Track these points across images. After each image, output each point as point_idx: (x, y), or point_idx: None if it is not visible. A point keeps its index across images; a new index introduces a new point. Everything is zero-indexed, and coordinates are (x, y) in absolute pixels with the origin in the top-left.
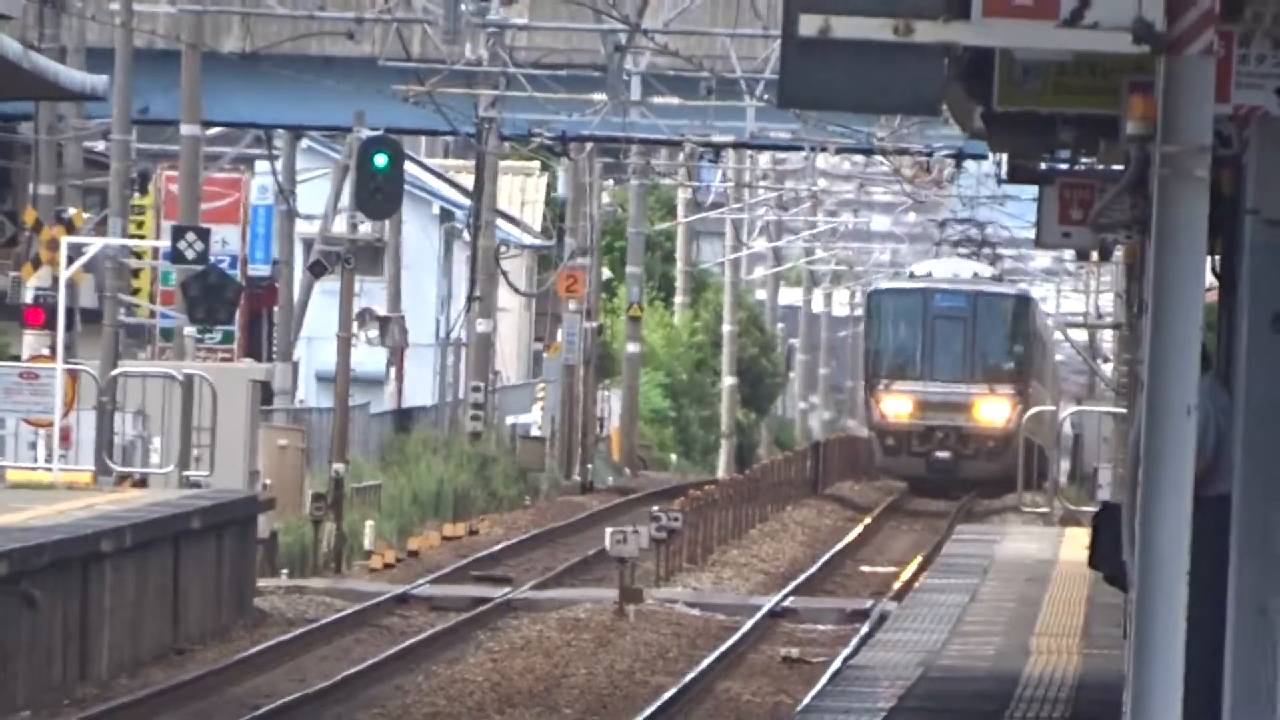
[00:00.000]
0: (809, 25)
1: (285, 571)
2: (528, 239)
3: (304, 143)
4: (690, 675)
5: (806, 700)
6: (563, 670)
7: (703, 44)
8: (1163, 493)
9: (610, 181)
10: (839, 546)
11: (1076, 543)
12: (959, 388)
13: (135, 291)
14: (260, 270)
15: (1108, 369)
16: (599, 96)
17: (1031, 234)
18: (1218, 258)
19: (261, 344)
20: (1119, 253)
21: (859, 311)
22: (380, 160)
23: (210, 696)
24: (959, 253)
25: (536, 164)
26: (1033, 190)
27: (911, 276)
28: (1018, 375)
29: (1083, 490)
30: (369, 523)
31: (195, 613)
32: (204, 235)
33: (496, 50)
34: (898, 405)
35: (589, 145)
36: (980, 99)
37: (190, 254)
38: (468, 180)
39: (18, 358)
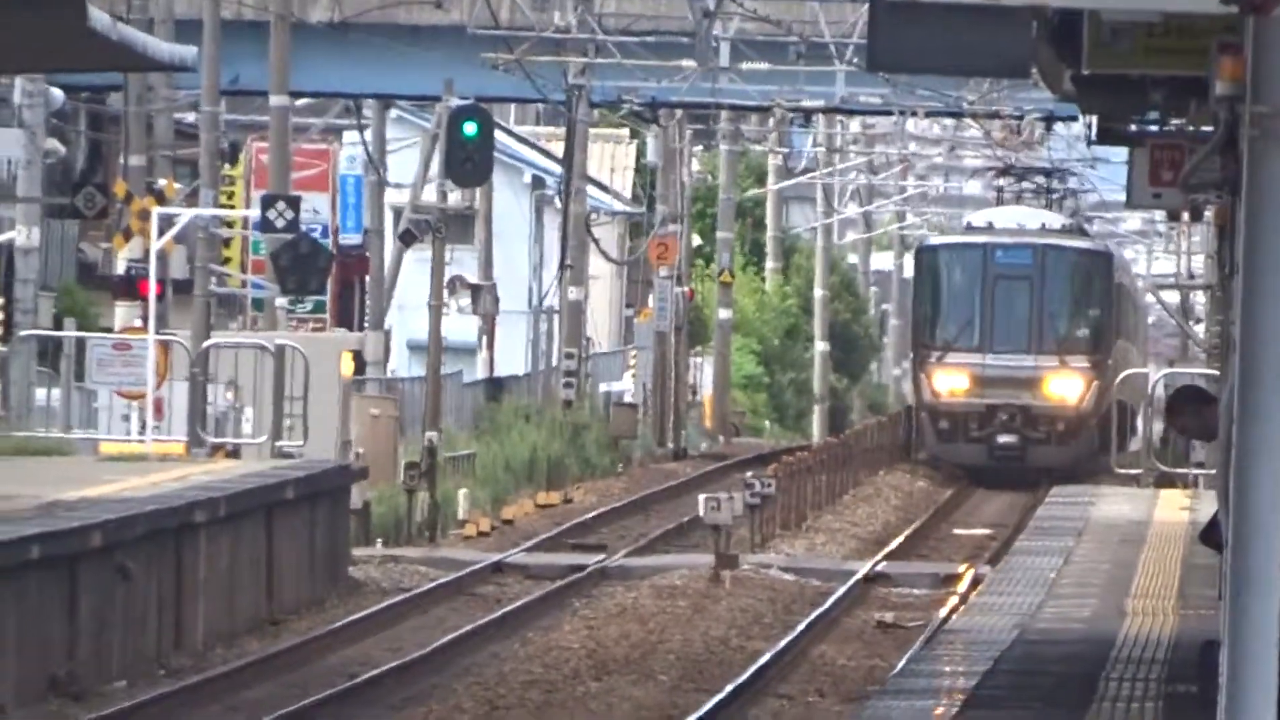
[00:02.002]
0: None
1: (379, 541)
2: (618, 206)
3: (393, 112)
4: (785, 640)
5: (901, 664)
6: (658, 637)
7: (792, 8)
8: (1256, 453)
9: (700, 148)
10: (932, 511)
11: (1170, 504)
12: (1025, 360)
13: (226, 261)
14: (351, 239)
15: (1200, 330)
16: (688, 63)
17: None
18: None
19: (353, 313)
20: (1210, 213)
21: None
22: (470, 128)
23: (305, 666)
24: (1027, 202)
25: (626, 131)
26: (1123, 153)
27: (968, 228)
28: (1094, 344)
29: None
30: (463, 491)
31: (289, 583)
32: (294, 204)
33: (585, 17)
34: (952, 381)
35: (678, 112)
36: (1070, 61)
37: (280, 223)
38: (558, 148)
39: (110, 329)
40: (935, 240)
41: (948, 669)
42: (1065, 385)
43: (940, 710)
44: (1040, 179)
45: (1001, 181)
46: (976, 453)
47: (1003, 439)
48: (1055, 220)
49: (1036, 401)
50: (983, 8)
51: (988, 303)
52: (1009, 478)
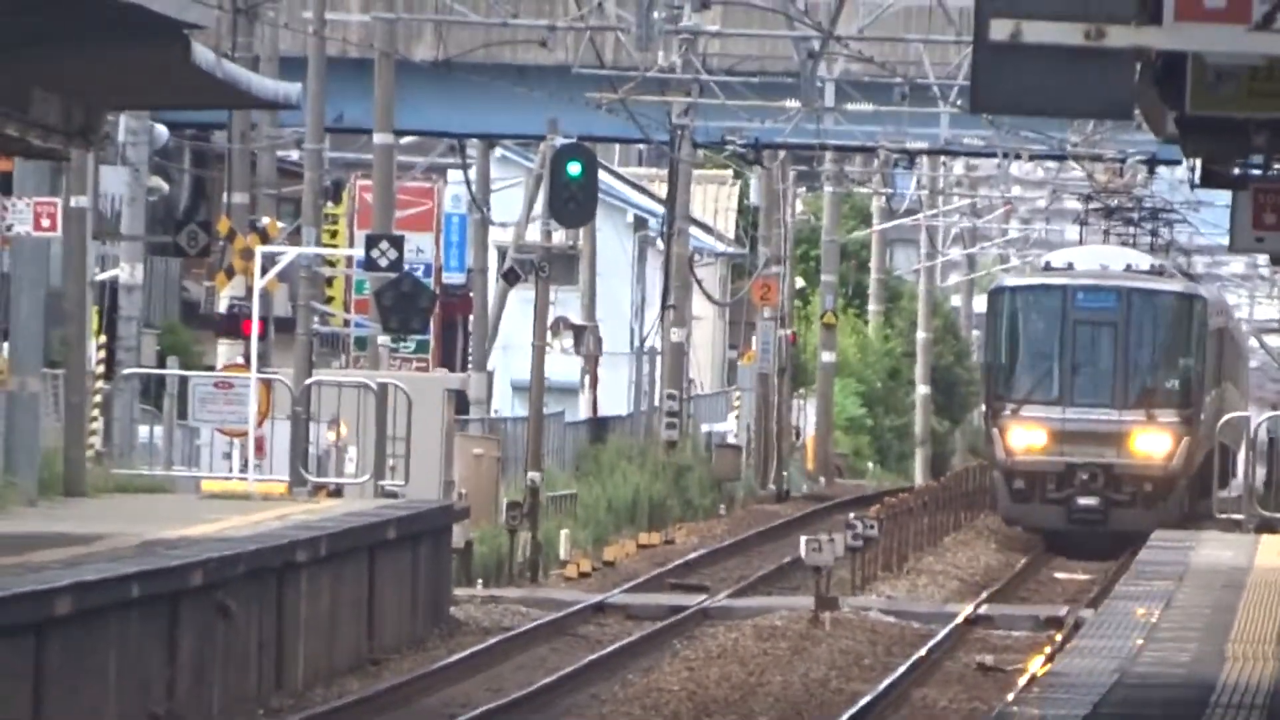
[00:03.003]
0: (1000, 30)
1: (481, 581)
2: (721, 247)
3: (497, 151)
4: (886, 682)
5: (1001, 708)
6: (758, 678)
7: (896, 50)
8: None
9: (804, 189)
10: (1033, 554)
11: (1272, 549)
12: (1108, 414)
13: (329, 300)
14: (455, 278)
15: None
16: (792, 103)
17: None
18: None
19: (456, 352)
20: None
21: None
22: (574, 168)
23: (406, 706)
24: (1114, 239)
25: (730, 171)
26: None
27: (1047, 269)
28: (1185, 397)
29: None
30: (564, 531)
31: (390, 623)
32: (398, 243)
33: (689, 57)
34: (1029, 437)
35: (782, 152)
36: (1173, 103)
37: (384, 262)
38: (661, 188)
39: (212, 367)
40: (1010, 281)
41: (1049, 712)
42: (1153, 442)
43: None
44: (1132, 215)
45: (1092, 219)
46: (1054, 515)
47: (1083, 501)
48: (1142, 260)
49: (1121, 460)
50: (1086, 50)
51: (1067, 351)
52: (1089, 544)
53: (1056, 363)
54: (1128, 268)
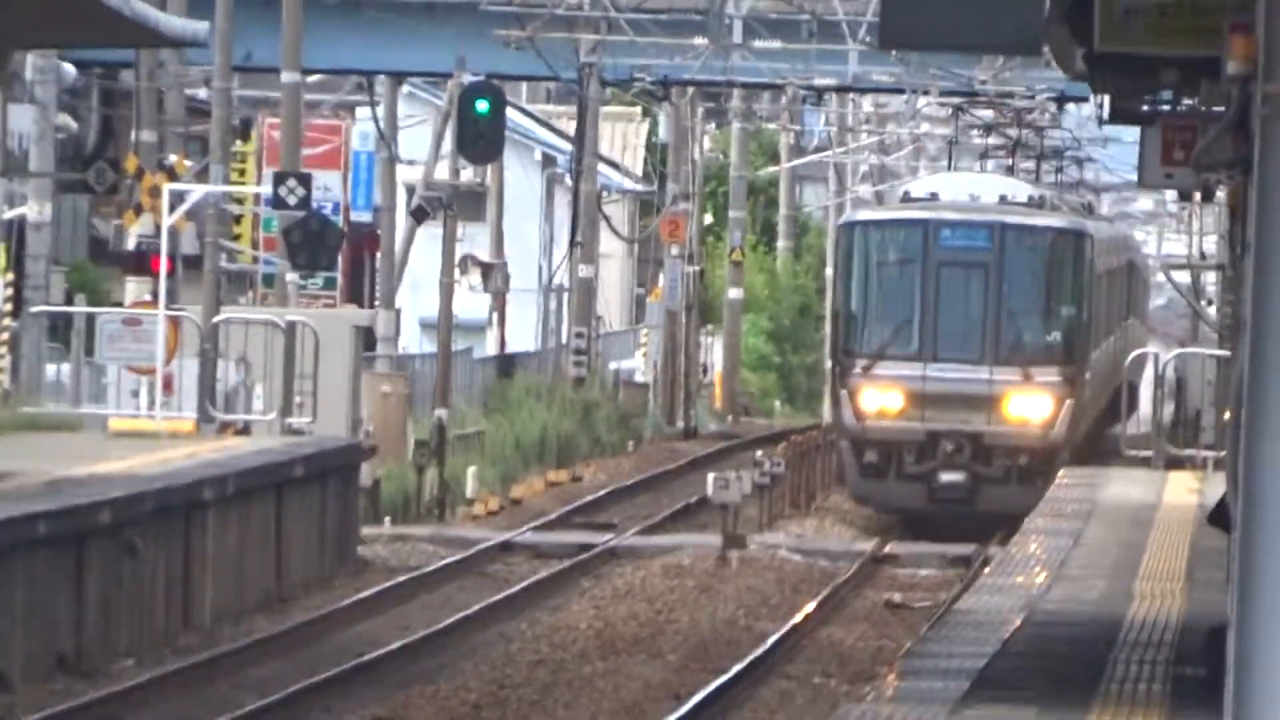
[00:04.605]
0: None
1: (388, 519)
2: (629, 184)
3: (405, 88)
4: (793, 621)
5: (910, 645)
6: (666, 616)
7: None
8: (1265, 434)
9: (712, 126)
10: None
11: (1179, 486)
12: (977, 373)
13: (237, 238)
14: (362, 216)
15: (1211, 311)
16: (700, 40)
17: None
18: None
19: (364, 290)
20: (1221, 194)
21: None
22: (482, 106)
23: (314, 644)
24: (1022, 175)
25: (638, 109)
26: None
27: (905, 199)
28: (1068, 352)
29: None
30: (472, 469)
31: (298, 561)
32: (305, 181)
33: None
34: (883, 400)
35: (690, 90)
36: (1082, 40)
37: (292, 200)
38: (569, 126)
39: (120, 305)
40: (862, 215)
41: (956, 650)
42: (1029, 406)
43: (947, 691)
44: (1035, 152)
45: (995, 156)
46: (913, 493)
47: (947, 476)
48: (1019, 190)
49: (992, 427)
50: None
51: (929, 298)
52: (953, 525)
53: (916, 312)
54: (1001, 199)
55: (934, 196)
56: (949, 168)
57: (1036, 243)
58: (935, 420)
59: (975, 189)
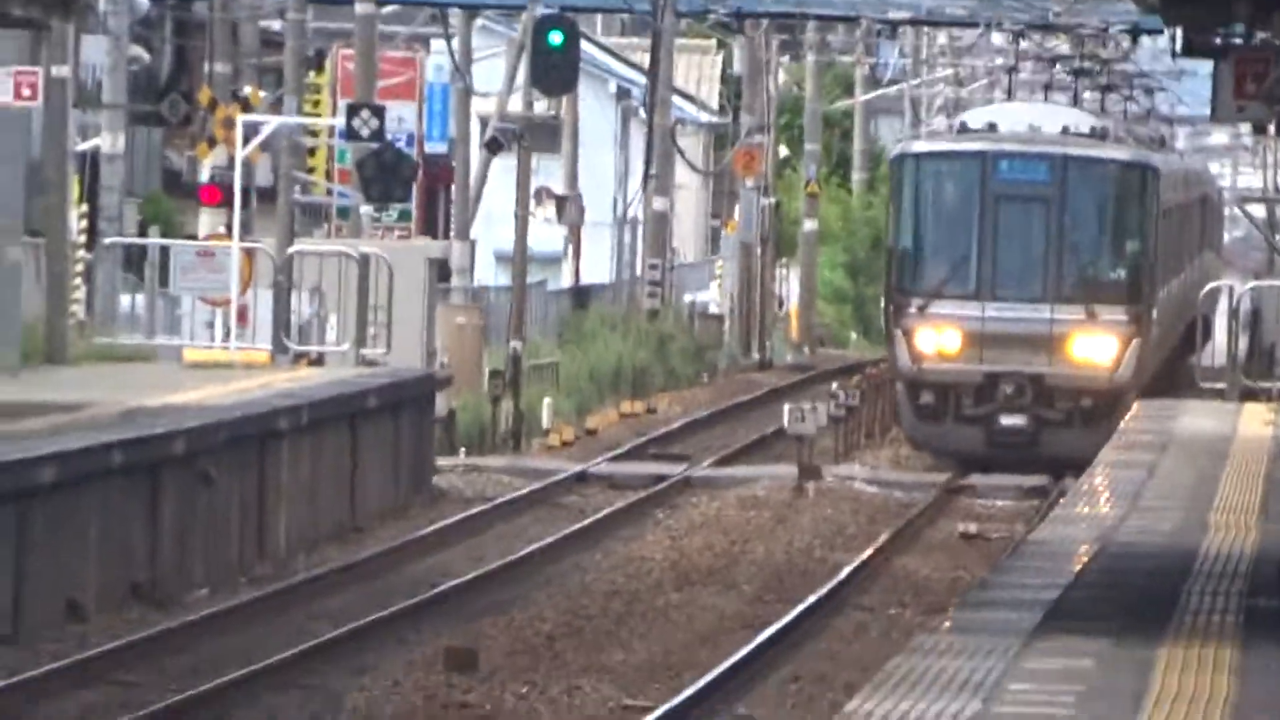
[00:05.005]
0: None
1: (464, 450)
2: (704, 116)
3: (479, 20)
4: (868, 552)
5: (983, 576)
6: (741, 547)
7: None
8: None
9: (787, 58)
10: None
11: (1254, 419)
12: (1038, 311)
13: (311, 170)
14: (437, 148)
15: None
16: None
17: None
18: None
19: (439, 222)
20: None
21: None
22: (555, 38)
23: (388, 574)
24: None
25: (713, 41)
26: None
27: (962, 130)
28: (1134, 290)
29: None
30: (547, 400)
31: (373, 491)
32: (379, 113)
33: None
34: (939, 340)
35: (764, 21)
36: None
37: (365, 132)
38: (644, 58)
39: (194, 236)
40: (917, 146)
41: (1031, 580)
42: (1094, 346)
43: (1020, 622)
44: (1107, 81)
45: (1064, 85)
46: (971, 437)
47: (1007, 420)
48: (1082, 121)
49: (1054, 369)
50: None
51: (987, 233)
52: (1014, 469)
53: (974, 248)
54: (1064, 130)
55: (992, 127)
56: (1009, 97)
57: (1100, 176)
58: (994, 361)
59: (1036, 120)
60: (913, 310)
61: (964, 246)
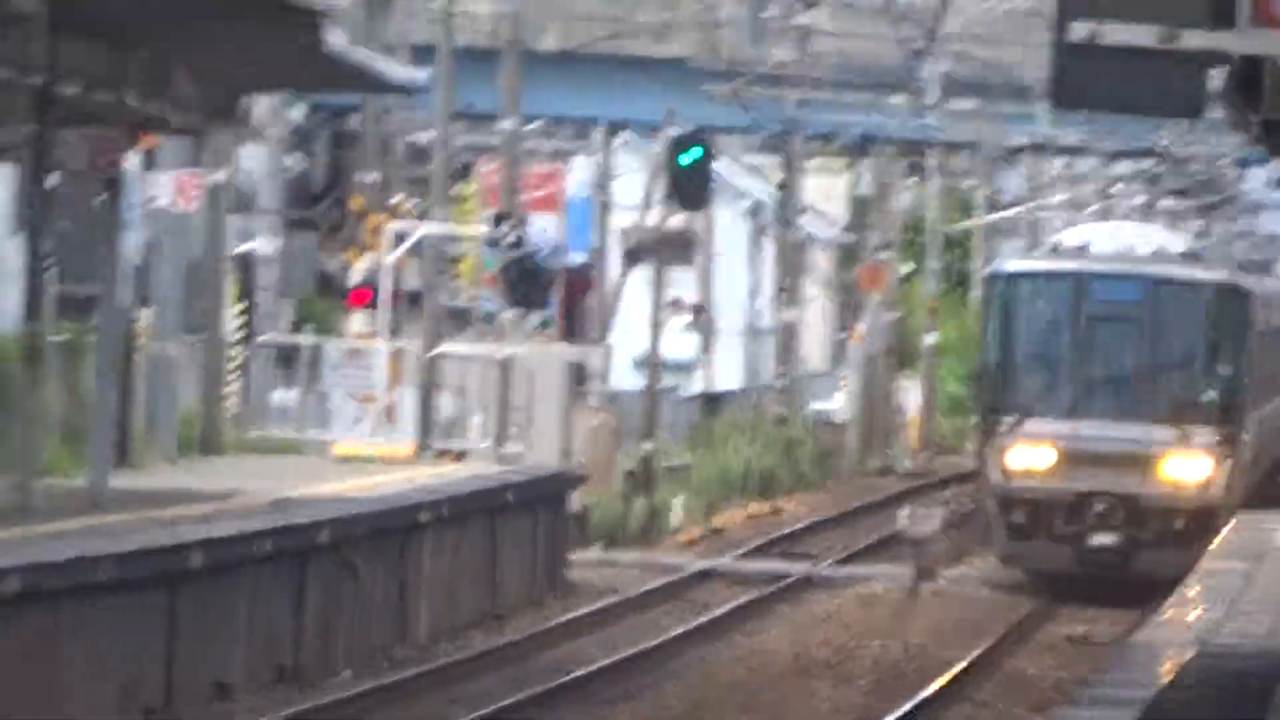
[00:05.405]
0: (1079, 31)
1: (599, 544)
2: (832, 232)
3: (620, 138)
4: (979, 651)
5: (1087, 675)
6: (858, 643)
7: (998, 50)
8: None
9: (912, 180)
10: None
11: None
12: (1131, 431)
13: (458, 276)
14: (578, 258)
15: None
16: (898, 99)
17: None
18: None
19: (579, 328)
20: None
21: None
22: (691, 156)
23: (524, 661)
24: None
25: (842, 161)
26: None
27: (1055, 251)
28: (1227, 411)
29: None
30: (678, 499)
31: (510, 582)
32: (522, 223)
33: (802, 53)
34: (1031, 458)
35: (890, 146)
36: (1253, 106)
37: (508, 240)
38: (776, 175)
39: (345, 336)
40: (1011, 265)
41: (1133, 678)
42: (1188, 466)
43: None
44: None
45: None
46: (1061, 556)
47: (1098, 539)
48: (1175, 242)
49: (1146, 489)
50: (1162, 52)
51: (1080, 353)
52: (1104, 591)
53: (1066, 367)
54: (1157, 252)
55: (1086, 248)
56: (1103, 219)
57: (1193, 297)
58: (1086, 480)
59: (1129, 241)
60: (1005, 428)
61: (1057, 365)
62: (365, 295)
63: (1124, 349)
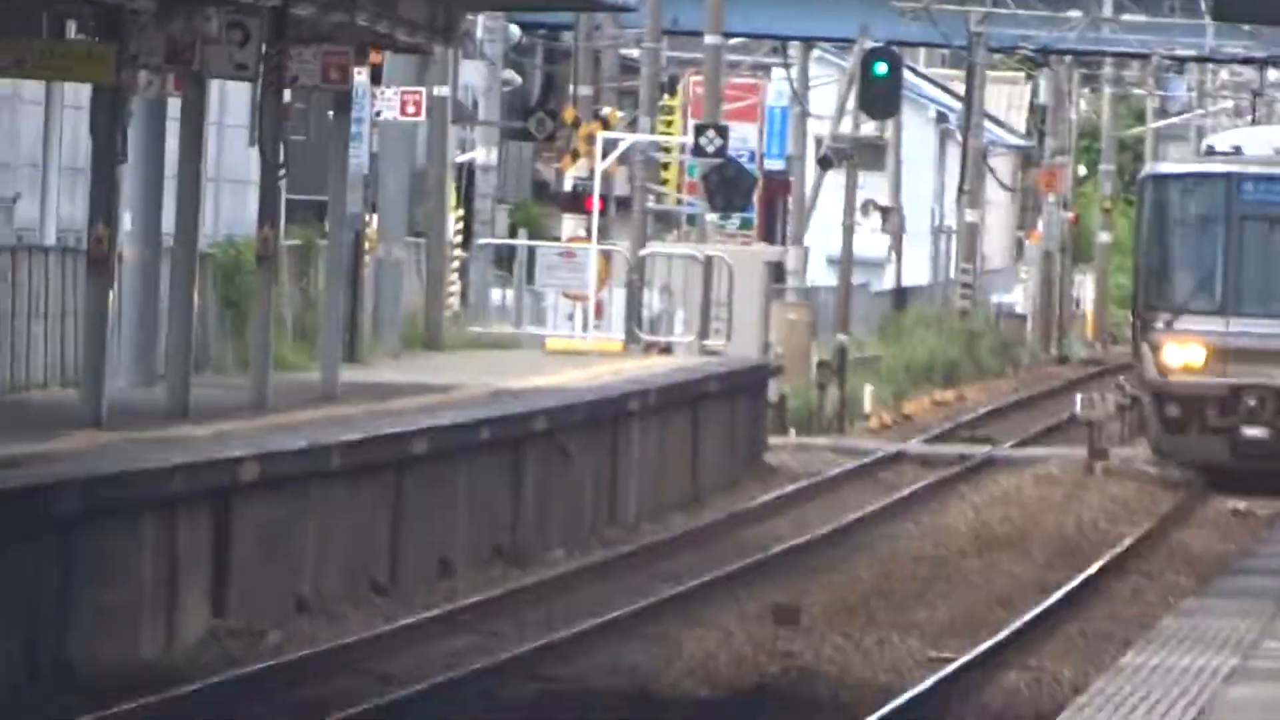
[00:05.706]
0: None
1: (793, 430)
2: (1012, 140)
3: (815, 52)
4: (1148, 525)
5: (1248, 546)
6: (1035, 520)
7: None
8: None
9: (1087, 90)
10: None
11: None
12: None
13: (664, 182)
14: (775, 165)
15: None
16: (1075, 13)
17: None
18: None
19: (776, 230)
20: None
21: None
22: (881, 68)
23: (724, 540)
24: None
25: (1022, 73)
26: None
27: (1209, 153)
28: None
29: None
30: (868, 388)
31: (711, 467)
32: (723, 132)
33: None
34: (1185, 354)
35: (1067, 57)
36: None
37: (710, 149)
38: (961, 87)
39: (558, 239)
40: (1164, 168)
41: None
42: None
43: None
44: None
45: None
46: (1215, 447)
47: (1250, 431)
48: None
49: None
50: None
51: (1232, 251)
52: (1258, 483)
53: (1219, 266)
54: None
55: (1238, 150)
56: (1253, 122)
57: None
58: (1238, 375)
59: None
60: (1159, 325)
61: (1209, 264)
62: (585, 203)
63: (1273, 248)
